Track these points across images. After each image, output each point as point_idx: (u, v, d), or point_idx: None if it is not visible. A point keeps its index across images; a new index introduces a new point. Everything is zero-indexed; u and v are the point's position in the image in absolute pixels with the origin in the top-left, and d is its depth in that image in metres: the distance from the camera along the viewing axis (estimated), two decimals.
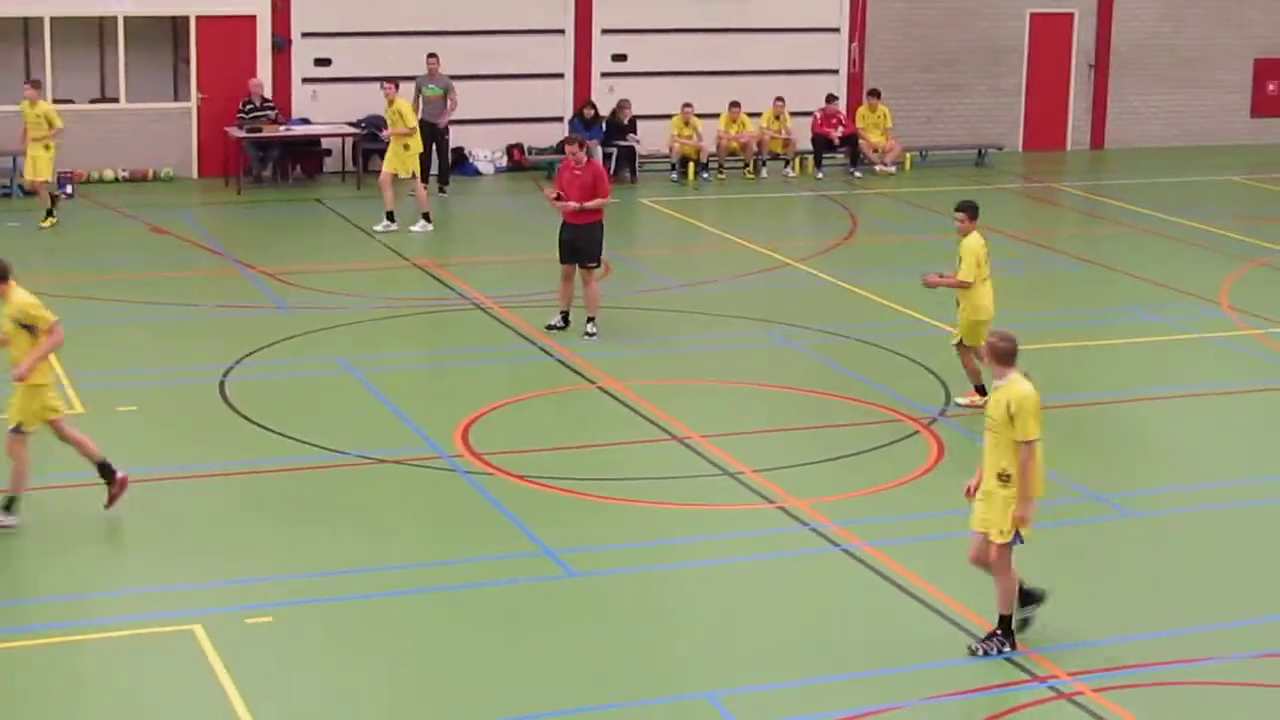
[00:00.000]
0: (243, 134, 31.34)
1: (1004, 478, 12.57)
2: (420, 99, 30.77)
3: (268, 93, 31.93)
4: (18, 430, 15.02)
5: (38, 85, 28.38)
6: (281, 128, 31.63)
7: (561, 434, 18.04)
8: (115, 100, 31.96)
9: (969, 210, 18.37)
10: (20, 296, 15.09)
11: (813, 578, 14.41)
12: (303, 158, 32.39)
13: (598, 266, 21.56)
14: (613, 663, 12.79)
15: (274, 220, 28.80)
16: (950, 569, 14.01)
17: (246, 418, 18.08)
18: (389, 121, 28.08)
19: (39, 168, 27.65)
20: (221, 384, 19.21)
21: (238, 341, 20.94)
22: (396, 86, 28.21)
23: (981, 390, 18.18)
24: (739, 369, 20.22)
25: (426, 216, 27.77)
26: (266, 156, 31.90)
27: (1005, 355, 12.70)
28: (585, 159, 21.50)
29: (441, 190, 31.09)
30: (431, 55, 31.10)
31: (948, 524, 14.97)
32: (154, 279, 24.22)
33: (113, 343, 21.03)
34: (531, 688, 12.32)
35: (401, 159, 27.59)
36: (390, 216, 27.57)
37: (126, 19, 31.59)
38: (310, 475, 16.62)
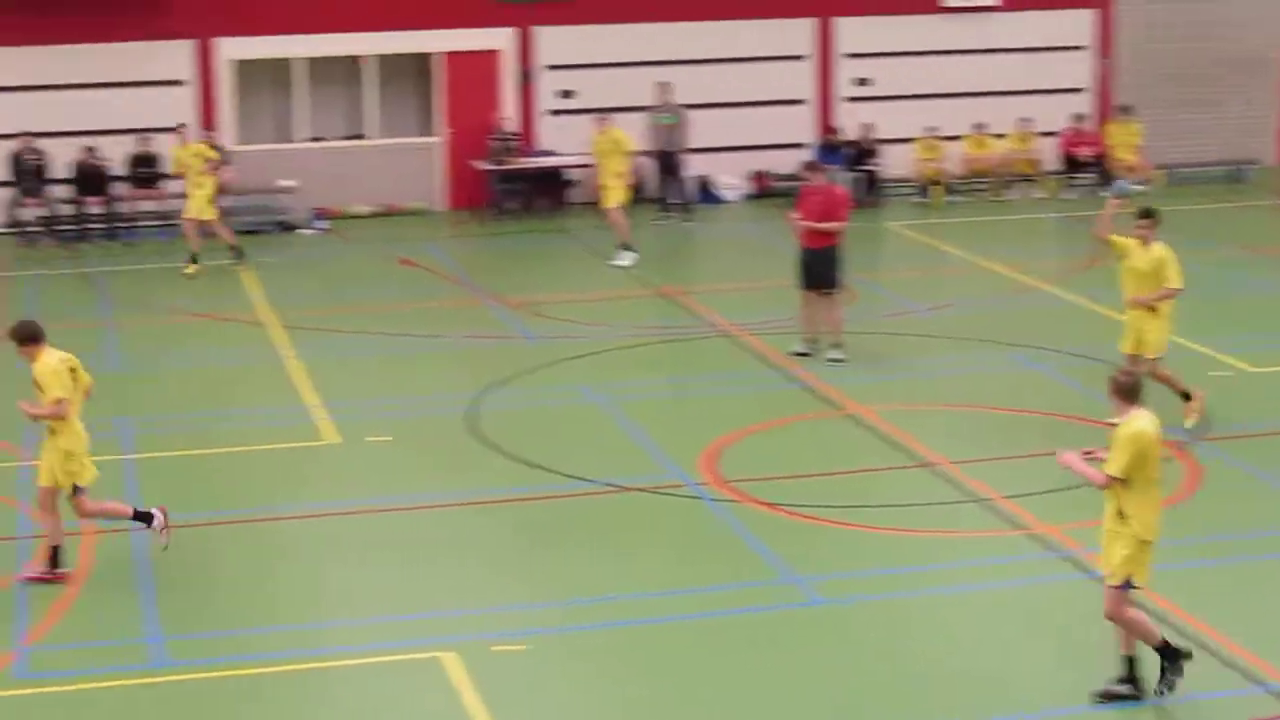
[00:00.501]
0: (489, 167, 31.77)
1: (1121, 516, 12.04)
2: (653, 128, 30.96)
3: (513, 126, 32.34)
4: (76, 491, 14.81)
5: (184, 128, 28.57)
6: (527, 160, 32.00)
7: (807, 461, 17.96)
8: (366, 137, 32.61)
9: (1155, 216, 18.09)
10: (43, 362, 14.80)
11: (1065, 605, 14.15)
12: (548, 189, 32.71)
13: (836, 290, 21.45)
14: (856, 692, 12.69)
15: (520, 251, 29.15)
16: (1211, 598, 13.72)
17: (495, 447, 18.28)
18: (602, 152, 28.01)
19: (196, 207, 27.54)
20: (470, 413, 19.46)
21: (485, 371, 21.21)
22: (606, 119, 28.14)
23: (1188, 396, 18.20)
24: (985, 393, 20.00)
25: (628, 247, 27.59)
26: (512, 189, 32.29)
27: (1128, 391, 12.15)
28: (823, 183, 21.48)
29: (685, 219, 31.22)
30: (663, 83, 31.27)
31: (1206, 551, 14.68)
32: (403, 310, 24.64)
33: (364, 373, 21.42)
34: (775, 716, 12.28)
35: (621, 190, 27.59)
36: (627, 248, 27.58)
37: (376, 58, 32.22)
38: (557, 504, 16.75)
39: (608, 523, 16.24)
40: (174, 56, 31.31)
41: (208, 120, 31.29)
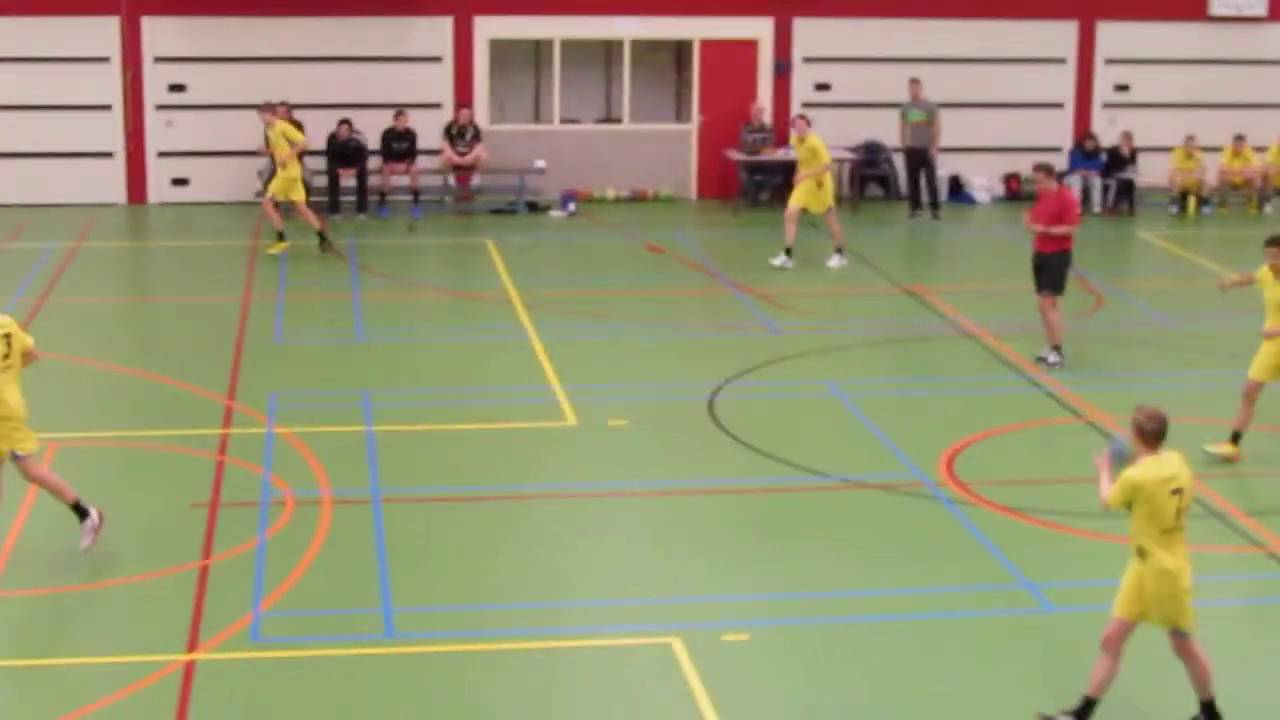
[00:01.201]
0: (741, 157, 31.72)
1: (1140, 553, 11.58)
2: (904, 124, 30.67)
3: (767, 118, 32.25)
4: (15, 458, 14.59)
5: (272, 108, 28.09)
6: (779, 152, 31.88)
7: (1046, 466, 17.67)
8: (619, 121, 32.72)
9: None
10: None
11: None
12: None
13: (1057, 294, 21.09)
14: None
15: (768, 243, 28.99)
16: None
17: (733, 436, 18.22)
18: (800, 159, 27.09)
19: (282, 187, 27.31)
20: (710, 402, 19.41)
21: (728, 361, 21.15)
22: (809, 123, 27.36)
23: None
24: (1229, 407, 19.50)
25: (840, 250, 26.93)
26: (764, 180, 32.21)
27: (1152, 436, 11.54)
28: (1054, 187, 21.13)
29: (934, 217, 30.94)
30: (914, 80, 30.98)
31: None
32: (649, 296, 24.68)
33: (607, 357, 21.48)
34: None
35: (814, 195, 26.77)
36: (789, 252, 26.72)
37: (632, 42, 32.31)
38: (792, 496, 16.65)
39: (842, 518, 16.10)
40: (433, 33, 31.68)
41: (463, 97, 31.62)
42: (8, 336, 14.49)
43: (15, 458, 14.58)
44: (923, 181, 31.26)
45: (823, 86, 32.76)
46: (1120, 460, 11.85)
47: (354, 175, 30.68)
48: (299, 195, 27.39)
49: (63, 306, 23.87)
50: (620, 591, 14.36)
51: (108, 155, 31.37)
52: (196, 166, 31.54)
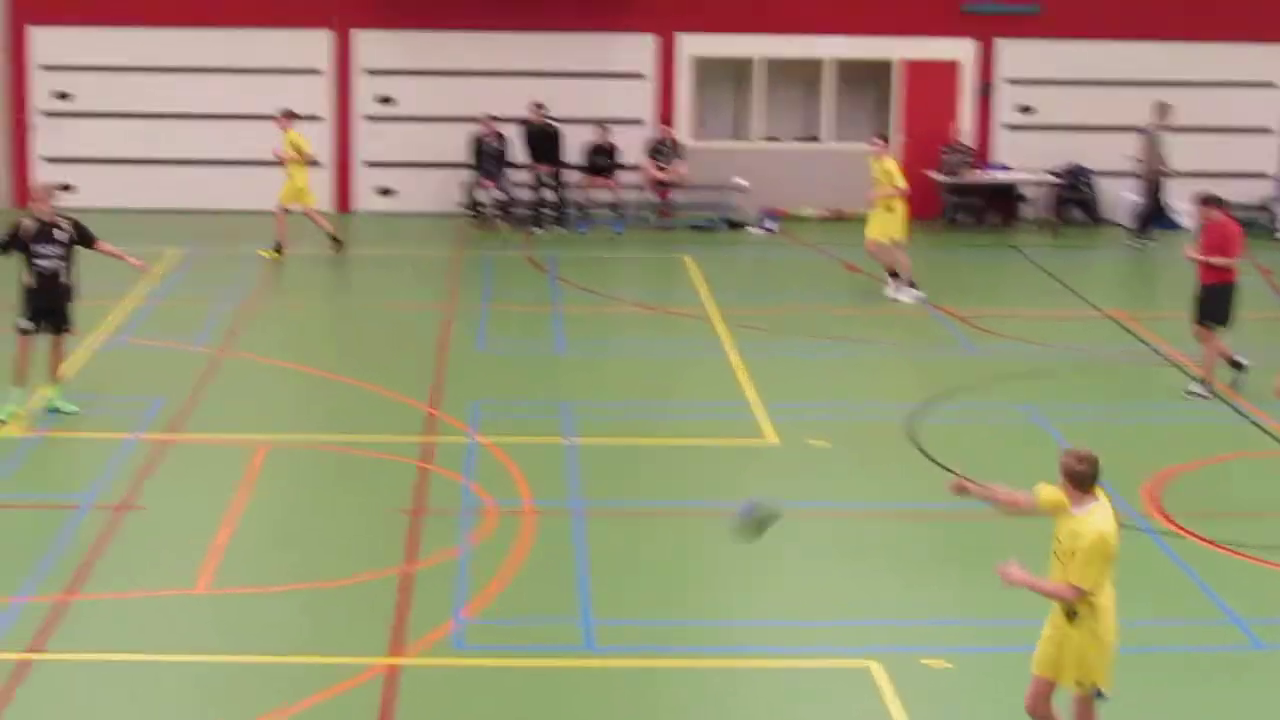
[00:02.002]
0: (942, 178, 31.55)
1: (1071, 615, 10.89)
2: (1150, 147, 30.25)
3: (968, 139, 32.06)
4: None
5: (290, 115, 28.24)
6: (980, 173, 31.67)
7: (1255, 499, 17.37)
8: (819, 140, 32.68)
9: None
10: None
11: None
12: (1001, 204, 32.33)
13: (1217, 326, 20.73)
14: None
15: (968, 265, 28.87)
16: None
17: (932, 458, 18.13)
18: (873, 180, 26.07)
19: (289, 195, 27.89)
20: (909, 423, 19.32)
21: (926, 382, 21.05)
22: (886, 144, 26.51)
23: None
24: None
25: (913, 284, 25.87)
26: (964, 201, 32.01)
27: (1082, 479, 10.83)
28: (1218, 218, 20.78)
29: (1145, 243, 30.51)
30: (1164, 103, 30.48)
31: None
32: (846, 315, 24.62)
33: (805, 376, 21.45)
34: None
35: (884, 223, 25.89)
36: (894, 274, 25.95)
37: (835, 61, 32.28)
38: (989, 521, 16.48)
39: (1045, 546, 15.88)
40: (637, 50, 31.86)
41: (665, 115, 31.76)
42: None
43: None
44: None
45: (1025, 109, 32.49)
46: (752, 520, 11.47)
47: (558, 187, 30.99)
48: (309, 201, 28.02)
49: (271, 311, 24.31)
50: (817, 612, 14.33)
51: (316, 165, 31.85)
52: (402, 177, 31.96)
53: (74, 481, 17.01)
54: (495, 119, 30.70)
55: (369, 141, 31.95)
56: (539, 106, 30.96)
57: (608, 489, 16.99)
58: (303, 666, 12.98)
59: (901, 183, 25.78)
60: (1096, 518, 10.77)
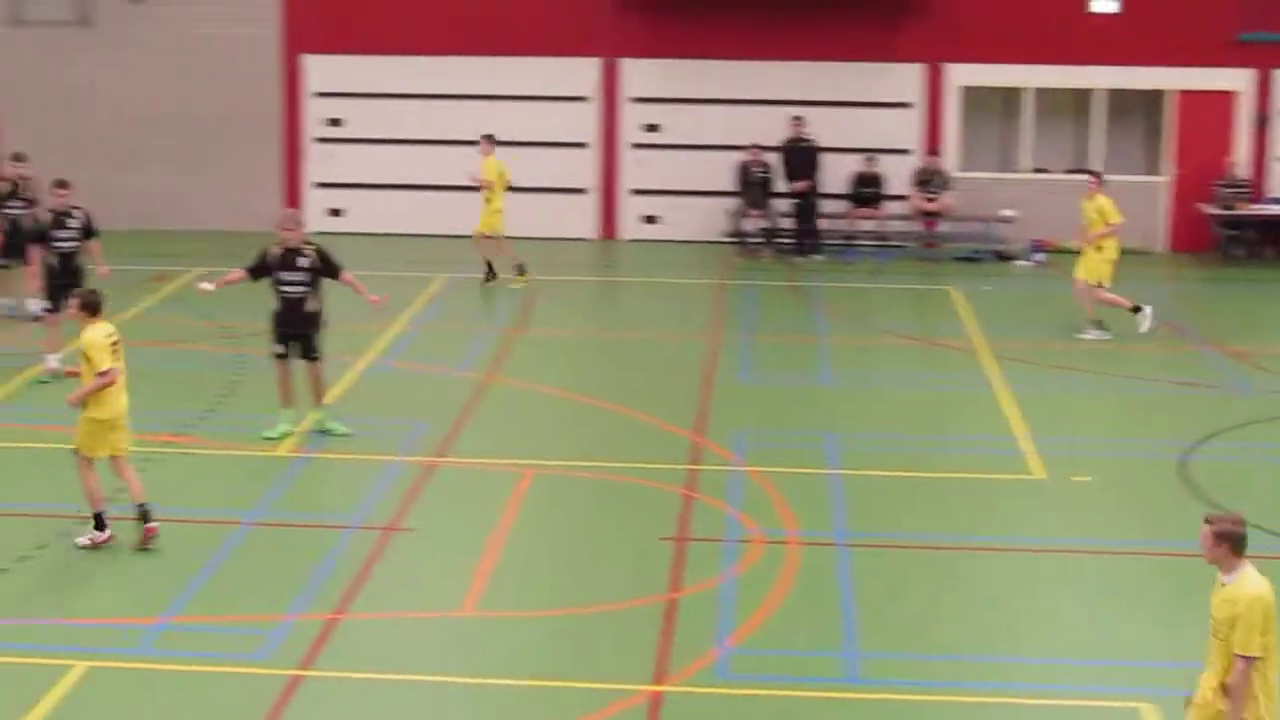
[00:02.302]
0: (1216, 211, 30.89)
1: (1225, 690, 10.24)
2: None
3: (1243, 170, 31.35)
4: (77, 454, 15.74)
5: (491, 141, 28.23)
6: (1258, 207, 30.95)
7: None
8: (1089, 172, 32.16)
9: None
10: (90, 333, 15.62)
11: None
12: (1277, 237, 31.54)
13: None
14: None
15: (1243, 300, 28.21)
16: None
17: (1205, 498, 17.67)
18: (1086, 221, 25.01)
19: (488, 222, 27.90)
20: (1180, 461, 18.88)
21: (1199, 420, 20.55)
22: (1100, 182, 25.46)
23: None
24: None
25: (1100, 324, 24.89)
26: (1239, 235, 31.30)
27: (1240, 543, 10.25)
28: None
29: None
30: None
31: None
32: (1114, 350, 24.15)
33: (1073, 411, 21.08)
34: None
35: (1091, 264, 24.84)
36: (1099, 325, 24.92)
37: (1106, 91, 31.78)
38: (1269, 564, 16.03)
39: None
40: (905, 79, 31.67)
41: (932, 144, 31.54)
42: (115, 344, 15.76)
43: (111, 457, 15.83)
44: None
45: None
46: None
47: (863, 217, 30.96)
48: (498, 229, 27.84)
49: (535, 337, 24.53)
50: (1085, 650, 14.04)
51: (582, 191, 32.16)
52: (668, 205, 32.09)
53: (343, 502, 17.29)
54: (761, 147, 30.69)
55: (635, 169, 32.12)
56: (797, 120, 30.88)
57: (873, 521, 16.85)
58: (567, 691, 13.02)
59: (1116, 218, 24.86)
60: (1249, 581, 10.26)
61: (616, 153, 32.14)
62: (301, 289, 19.06)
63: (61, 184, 21.96)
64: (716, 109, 31.85)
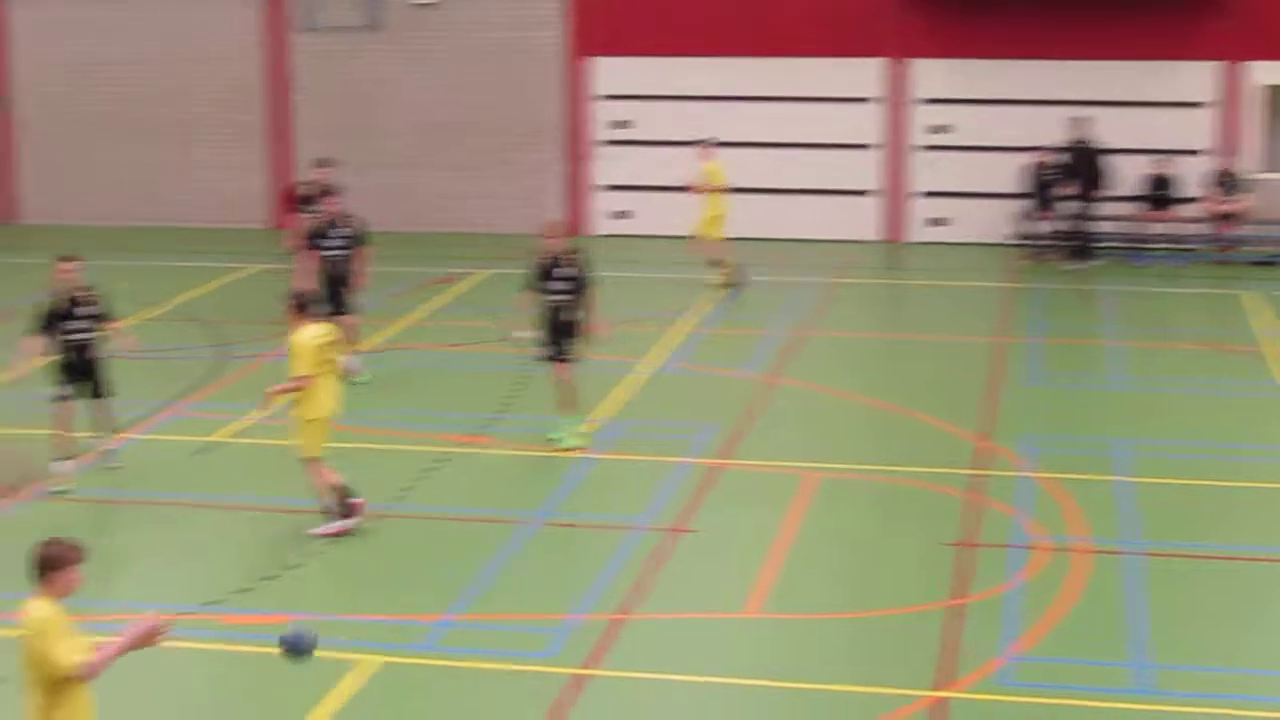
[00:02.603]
0: None
1: None
2: None
3: None
4: (301, 456, 16.50)
5: (712, 144, 28.15)
6: None
7: None
8: None
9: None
10: (298, 335, 16.23)
11: None
12: None
13: None
14: None
15: None
16: None
17: None
18: None
19: (705, 227, 27.71)
20: None
21: None
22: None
23: None
24: None
25: None
26: None
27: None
28: None
29: None
30: None
31: None
32: None
33: None
34: None
35: None
36: None
37: None
38: None
39: None
40: (1198, 78, 30.97)
41: (1229, 145, 30.80)
42: (329, 345, 16.38)
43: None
44: None
45: None
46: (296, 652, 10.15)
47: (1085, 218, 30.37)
48: (716, 234, 27.67)
49: (821, 340, 24.48)
50: None
51: (865, 194, 32.02)
52: (956, 207, 31.79)
53: (629, 504, 17.42)
54: (1051, 149, 30.28)
55: (921, 171, 31.89)
56: (1078, 121, 30.36)
57: (1163, 529, 16.52)
58: (847, 695, 12.99)
59: None
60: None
61: (902, 154, 31.91)
62: (563, 297, 19.13)
63: (327, 191, 22.65)
64: (1006, 110, 31.46)
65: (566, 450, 18.81)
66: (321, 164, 26.04)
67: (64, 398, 17.93)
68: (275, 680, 13.29)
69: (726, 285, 27.77)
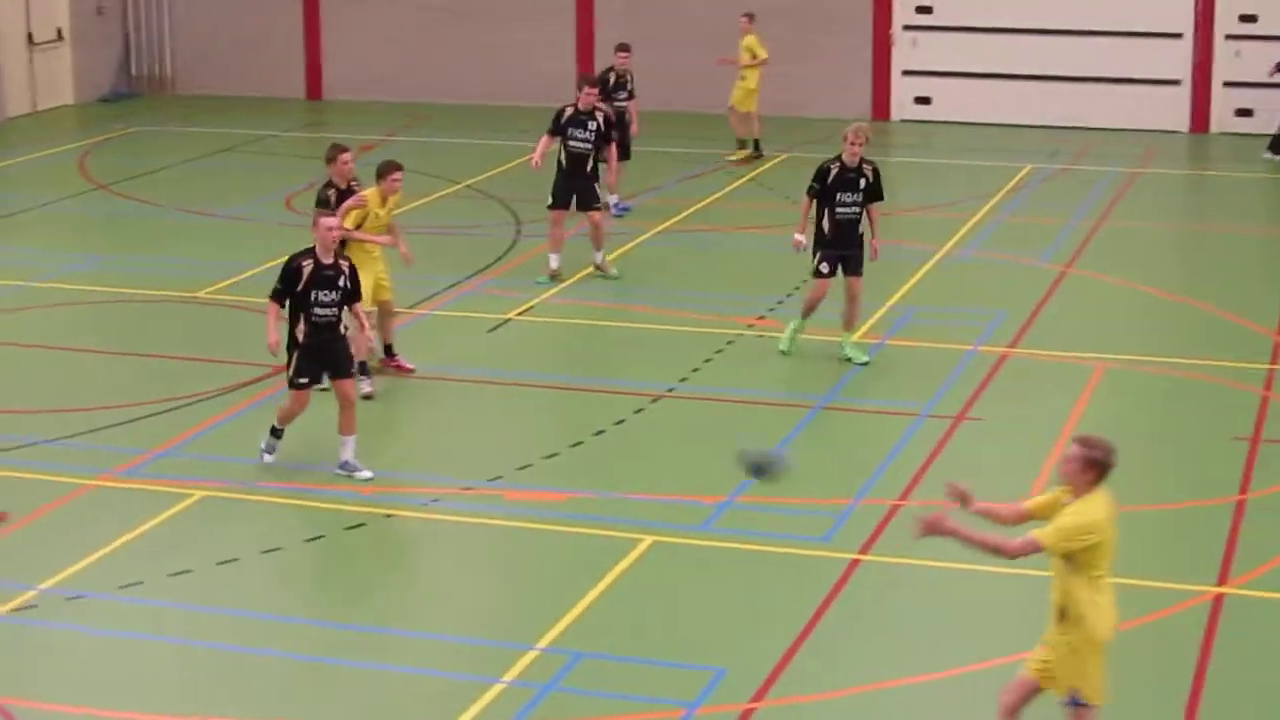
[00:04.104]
0: None
1: (1062, 614, 9.57)
2: None
3: None
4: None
5: (751, 17, 28.35)
6: None
7: None
8: None
9: None
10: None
11: None
12: None
13: None
14: None
15: None
16: None
17: None
18: None
19: (738, 97, 28.36)
20: None
21: None
22: None
23: None
24: None
25: None
26: None
27: (1104, 470, 9.58)
28: None
29: None
30: None
31: None
32: None
33: None
34: None
35: None
36: None
37: None
38: None
39: None
40: None
41: None
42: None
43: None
44: None
45: None
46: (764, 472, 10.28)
47: None
48: (749, 106, 28.37)
49: (1121, 229, 24.07)
50: None
51: (1174, 83, 31.29)
52: (1264, 97, 30.89)
53: (915, 390, 17.40)
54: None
55: (1229, 61, 31.01)
56: None
57: None
58: (1128, 588, 12.88)
59: None
60: (1092, 503, 9.58)
61: (1211, 43, 31.05)
62: (854, 210, 18.00)
63: (591, 82, 21.89)
64: None
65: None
66: (621, 49, 26.02)
67: None
68: (555, 556, 13.65)
69: (745, 159, 28.43)
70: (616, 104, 24.53)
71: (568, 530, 14.12)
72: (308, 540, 13.95)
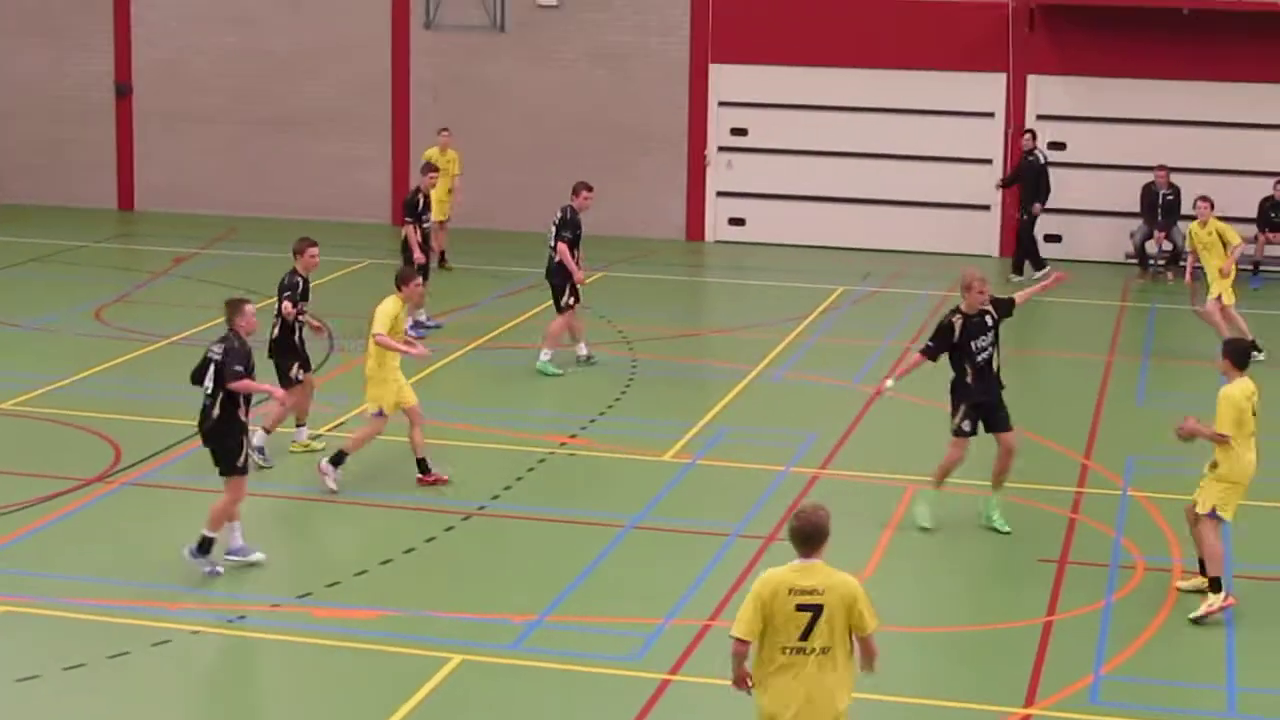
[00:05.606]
0: None
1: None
2: None
3: None
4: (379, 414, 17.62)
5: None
6: None
7: None
8: None
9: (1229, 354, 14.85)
10: (382, 306, 17.58)
11: None
12: None
13: None
14: None
15: None
16: None
17: None
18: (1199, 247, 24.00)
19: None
20: None
21: None
22: (1204, 209, 24.31)
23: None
24: None
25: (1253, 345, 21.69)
26: None
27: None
28: None
29: None
30: None
31: None
32: None
33: None
34: None
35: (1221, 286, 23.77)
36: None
37: None
38: None
39: None
40: None
41: None
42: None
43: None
44: None
45: None
46: None
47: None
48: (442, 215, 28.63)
49: None
50: None
51: (984, 208, 31.85)
52: (1070, 224, 31.52)
53: (727, 510, 17.39)
54: (1169, 169, 30.02)
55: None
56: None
57: (1258, 553, 16.36)
58: (938, 710, 12.95)
59: None
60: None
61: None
62: (988, 355, 16.87)
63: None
64: (1123, 129, 31.21)
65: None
66: (428, 168, 25.87)
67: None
68: (363, 674, 13.45)
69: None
70: (424, 226, 24.53)
71: (377, 648, 13.93)
72: (110, 657, 13.63)
